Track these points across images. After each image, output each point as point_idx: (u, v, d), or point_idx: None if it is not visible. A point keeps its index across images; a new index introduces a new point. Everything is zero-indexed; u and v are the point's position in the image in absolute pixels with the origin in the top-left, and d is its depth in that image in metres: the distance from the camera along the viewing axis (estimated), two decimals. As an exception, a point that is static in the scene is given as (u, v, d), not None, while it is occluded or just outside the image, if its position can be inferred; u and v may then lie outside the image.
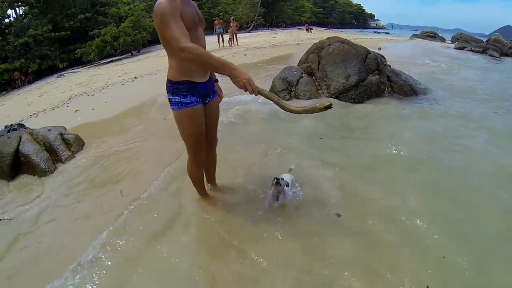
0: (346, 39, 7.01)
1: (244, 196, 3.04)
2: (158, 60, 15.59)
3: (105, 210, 3.14)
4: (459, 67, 12.17)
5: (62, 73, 20.03)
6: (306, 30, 38.87)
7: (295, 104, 2.34)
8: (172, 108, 2.42)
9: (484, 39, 32.82)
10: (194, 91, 2.39)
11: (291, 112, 2.18)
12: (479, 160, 3.82)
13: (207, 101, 2.53)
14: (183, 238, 2.61)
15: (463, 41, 29.38)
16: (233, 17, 24.19)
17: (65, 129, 4.98)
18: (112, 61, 21.61)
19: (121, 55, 24.38)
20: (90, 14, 25.64)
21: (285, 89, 6.11)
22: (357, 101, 5.96)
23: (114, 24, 24.19)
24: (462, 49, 25.40)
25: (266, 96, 2.18)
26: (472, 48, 25.33)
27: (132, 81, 10.29)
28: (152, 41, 27.56)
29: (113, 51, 23.92)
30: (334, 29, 56.38)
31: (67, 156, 4.48)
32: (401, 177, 3.37)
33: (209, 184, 3.07)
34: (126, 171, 3.93)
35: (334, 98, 5.89)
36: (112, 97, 8.00)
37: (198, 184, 2.87)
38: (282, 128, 4.80)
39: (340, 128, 4.83)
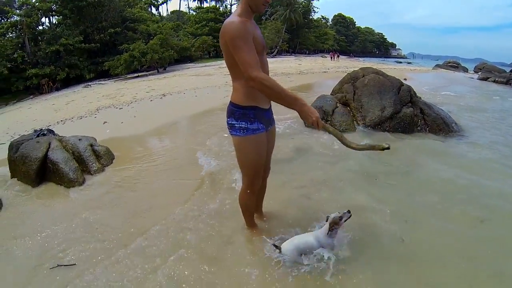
0: (380, 70, 6.95)
1: (292, 225, 2.87)
2: (185, 79, 15.82)
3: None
4: (485, 99, 12.10)
5: (89, 83, 20.54)
6: (331, 58, 39.26)
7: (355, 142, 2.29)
8: (235, 135, 2.30)
9: (506, 68, 32.51)
10: (261, 118, 2.29)
11: (351, 148, 2.19)
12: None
13: (268, 128, 2.44)
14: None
15: (486, 71, 29.12)
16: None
17: (95, 140, 4.89)
18: (138, 76, 22.08)
19: (147, 71, 24.93)
20: (120, 29, 26.52)
21: (321, 118, 5.96)
22: (391, 132, 5.82)
23: (143, 41, 24.87)
24: (486, 80, 25.00)
25: (330, 132, 2.21)
26: (496, 79, 24.92)
27: (161, 98, 10.39)
28: (178, 60, 28.16)
29: (139, 66, 24.45)
30: (356, 58, 56.68)
31: (96, 168, 4.34)
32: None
33: (256, 213, 2.90)
34: (159, 192, 3.78)
35: (371, 128, 5.78)
36: (141, 113, 8.04)
37: (250, 214, 2.73)
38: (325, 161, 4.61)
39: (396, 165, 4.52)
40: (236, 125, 2.26)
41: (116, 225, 3.06)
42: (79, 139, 4.63)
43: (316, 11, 56.99)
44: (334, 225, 2.35)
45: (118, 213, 3.34)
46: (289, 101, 2.03)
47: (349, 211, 2.37)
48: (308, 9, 54.40)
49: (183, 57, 30.46)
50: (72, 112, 9.21)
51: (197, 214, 3.14)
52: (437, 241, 2.72)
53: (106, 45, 26.56)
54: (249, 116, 2.23)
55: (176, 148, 5.43)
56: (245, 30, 2.02)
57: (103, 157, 4.60)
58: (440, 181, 3.91)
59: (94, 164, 4.39)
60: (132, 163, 4.70)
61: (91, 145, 4.63)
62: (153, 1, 46.19)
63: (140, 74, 23.66)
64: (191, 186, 3.82)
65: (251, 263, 2.46)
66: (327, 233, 2.36)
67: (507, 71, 29.07)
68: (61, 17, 27.47)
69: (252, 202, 2.61)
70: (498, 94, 15.49)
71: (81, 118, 8.01)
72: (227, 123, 2.31)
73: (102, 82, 20.90)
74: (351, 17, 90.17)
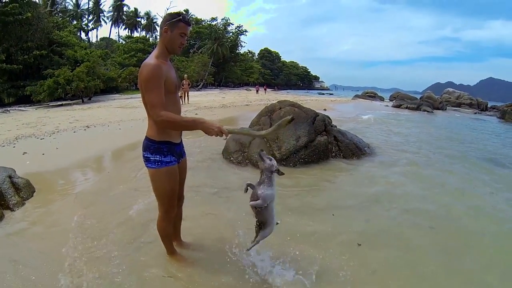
0: (296, 103, 7.60)
1: (210, 250, 3.18)
2: (110, 111, 15.54)
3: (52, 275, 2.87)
4: (397, 124, 14.25)
5: (8, 109, 19.00)
6: (256, 91, 41.15)
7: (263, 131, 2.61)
8: (150, 167, 2.52)
9: (418, 96, 37.12)
10: (173, 151, 2.57)
11: (263, 137, 2.47)
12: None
13: (180, 160, 2.71)
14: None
15: (399, 99, 33.20)
16: (186, 74, 24.89)
17: (15, 171, 4.68)
18: (62, 105, 21.02)
19: (71, 100, 23.77)
20: (46, 52, 24.85)
21: (238, 150, 6.37)
22: (307, 161, 6.38)
23: (69, 67, 23.76)
24: (399, 107, 28.75)
25: (238, 133, 2.50)
26: (408, 106, 28.95)
27: (85, 129, 10.16)
28: (104, 90, 27.22)
29: (63, 94, 23.25)
30: (281, 90, 59.25)
31: (15, 202, 4.14)
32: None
33: (174, 241, 3.07)
34: (82, 225, 3.75)
35: (283, 164, 6.15)
36: (64, 144, 7.82)
37: (169, 240, 2.90)
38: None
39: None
40: (151, 158, 2.50)
41: (37, 265, 2.98)
42: None
43: (243, 45, 58.74)
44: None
45: (40, 249, 3.26)
46: (190, 124, 2.36)
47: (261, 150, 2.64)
48: (235, 43, 55.67)
49: (109, 88, 29.45)
50: (-14, 139, 8.61)
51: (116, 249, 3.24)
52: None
53: (29, 68, 24.59)
54: (163, 150, 2.50)
55: (98, 182, 5.44)
56: (158, 73, 2.29)
57: (23, 190, 4.43)
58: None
59: (13, 198, 4.17)
60: (54, 196, 4.61)
61: (10, 177, 4.42)
62: (83, 26, 44.71)
63: (64, 102, 22.42)
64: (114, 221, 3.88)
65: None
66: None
67: (418, 98, 33.26)
68: (-19, 31, 24.98)
69: (169, 228, 2.82)
70: (408, 119, 17.96)
71: (-3, 147, 7.57)
72: (143, 156, 2.55)
73: (23, 108, 19.49)
74: (276, 51, 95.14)
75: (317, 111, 7.39)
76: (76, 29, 38.45)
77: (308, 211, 4.36)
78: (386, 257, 3.30)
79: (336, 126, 7.67)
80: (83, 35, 46.17)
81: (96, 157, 6.74)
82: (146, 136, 2.54)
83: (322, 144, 6.63)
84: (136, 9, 66.16)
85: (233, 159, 6.22)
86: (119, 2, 62.47)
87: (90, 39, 53.26)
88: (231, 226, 3.69)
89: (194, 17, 58.29)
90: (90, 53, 27.62)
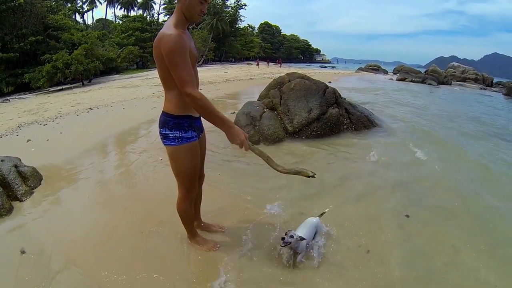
0: (305, 75, 7.32)
1: (232, 233, 3.02)
2: (111, 92, 15.33)
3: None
4: (404, 96, 13.96)
5: (8, 98, 18.82)
6: (257, 64, 40.90)
7: (281, 165, 2.41)
8: (169, 144, 2.33)
9: (421, 70, 36.42)
10: (193, 126, 2.37)
11: (277, 171, 2.32)
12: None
13: (200, 135, 2.52)
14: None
15: (404, 72, 32.72)
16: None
17: (20, 160, 4.48)
18: (62, 89, 20.82)
19: (71, 84, 23.53)
20: (42, 38, 24.50)
21: (249, 124, 6.10)
22: (319, 134, 6.18)
23: (67, 51, 23.42)
24: (404, 80, 28.40)
25: (257, 154, 2.33)
26: (413, 79, 28.63)
27: (88, 112, 9.97)
28: (104, 71, 26.87)
29: (63, 79, 22.99)
30: (285, 64, 58.56)
31: (23, 192, 3.96)
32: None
33: (195, 222, 2.92)
34: (96, 214, 3.60)
35: (295, 137, 6.04)
36: (67, 128, 7.64)
37: (190, 221, 2.74)
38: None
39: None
40: (170, 135, 2.30)
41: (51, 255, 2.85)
42: (2, 160, 4.20)
43: (243, 19, 57.74)
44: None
45: (53, 238, 3.11)
46: (218, 122, 2.17)
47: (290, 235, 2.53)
48: (235, 18, 54.81)
49: (109, 69, 29.17)
50: (-12, 130, 8.45)
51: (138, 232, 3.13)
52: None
53: (26, 55, 24.38)
54: (184, 125, 2.30)
55: (107, 162, 5.32)
56: (182, 45, 2.06)
57: (30, 179, 4.23)
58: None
59: (20, 187, 3.98)
60: (62, 183, 4.44)
61: (16, 166, 4.22)
62: (78, 8, 43.81)
63: (64, 87, 22.22)
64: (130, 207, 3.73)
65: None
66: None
67: (422, 72, 32.50)
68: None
69: (190, 209, 2.64)
70: (415, 91, 17.70)
71: (0, 137, 7.38)
72: (160, 133, 2.35)
73: (23, 96, 19.30)
74: (277, 25, 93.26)
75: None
76: (71, 11, 37.82)
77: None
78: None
79: (345, 99, 7.41)
80: (78, 17, 45.42)
81: (102, 139, 6.53)
82: (163, 111, 2.33)
83: (333, 117, 6.42)
84: (131, -13, 64.60)
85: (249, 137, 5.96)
86: (114, -19, 61.08)
87: (86, 22, 52.29)
88: (253, 202, 3.62)
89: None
90: (87, 35, 27.11)
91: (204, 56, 45.21)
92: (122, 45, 36.48)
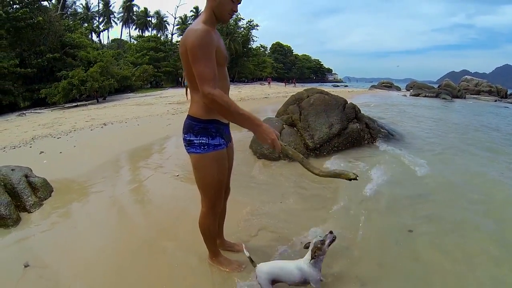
0: (324, 90, 7.16)
1: (259, 252, 2.69)
2: (125, 109, 15.36)
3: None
4: (420, 111, 13.75)
5: (24, 112, 19.05)
6: (268, 83, 41.41)
7: (319, 165, 2.13)
8: (194, 152, 2.09)
9: (433, 85, 36.50)
10: (222, 133, 2.13)
11: (314, 174, 2.02)
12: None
13: (228, 144, 2.28)
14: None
15: (417, 88, 32.72)
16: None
17: (31, 170, 4.33)
18: (77, 105, 21.02)
19: (86, 101, 23.79)
20: (59, 55, 25.00)
21: None
22: (340, 149, 5.95)
23: (82, 68, 23.77)
24: (418, 95, 28.35)
25: (290, 155, 2.06)
26: (427, 94, 28.55)
27: (102, 127, 9.87)
28: (118, 89, 27.18)
29: (78, 95, 23.28)
30: (299, 84, 58.73)
31: (32, 203, 3.80)
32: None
33: (218, 240, 2.61)
34: (106, 229, 3.40)
35: (317, 153, 5.77)
36: (81, 142, 7.51)
37: (213, 239, 2.45)
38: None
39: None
40: (195, 142, 2.07)
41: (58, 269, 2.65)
42: (12, 169, 4.06)
43: (255, 40, 58.00)
44: (317, 251, 2.07)
45: (61, 252, 2.92)
46: (243, 120, 1.93)
47: (331, 232, 2.15)
48: (247, 38, 54.99)
49: (123, 87, 29.49)
50: (4, 141, 8.34)
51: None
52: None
53: (43, 71, 24.81)
54: (211, 130, 2.07)
55: (120, 177, 5.14)
56: (208, 40, 1.88)
57: (40, 190, 4.07)
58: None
59: (30, 198, 3.84)
60: (73, 196, 4.26)
61: (26, 176, 4.09)
62: (94, 28, 44.88)
63: (79, 103, 22.43)
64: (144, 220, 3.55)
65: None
66: (310, 262, 2.09)
67: (435, 87, 32.49)
68: (-4, 36, 25.10)
69: (214, 226, 2.36)
70: (430, 105, 17.61)
71: (14, 148, 7.29)
72: (184, 139, 2.12)
73: (38, 111, 19.49)
74: (288, 45, 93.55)
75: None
76: (87, 31, 38.66)
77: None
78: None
79: (364, 114, 7.20)
80: (94, 37, 46.56)
81: (115, 153, 6.37)
82: (188, 115, 2.10)
83: (355, 131, 6.22)
84: (146, 9, 66.67)
85: (264, 149, 5.69)
86: (129, 3, 62.83)
87: (102, 41, 53.60)
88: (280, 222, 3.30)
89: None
90: (103, 53, 27.58)
91: (216, 76, 45.77)
92: (136, 64, 36.99)
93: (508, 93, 36.06)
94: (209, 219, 2.28)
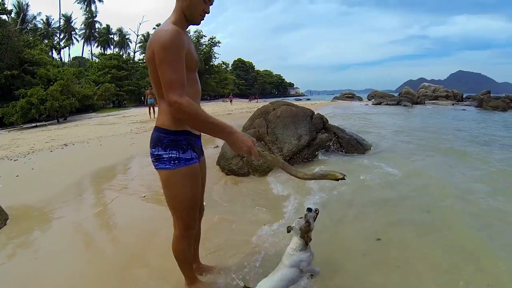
0: (290, 102, 7.20)
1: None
2: (88, 129, 14.88)
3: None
4: (383, 119, 14.49)
5: (-22, 133, 17.97)
6: (230, 101, 42.71)
7: (302, 169, 2.03)
8: (163, 168, 1.89)
9: (393, 94, 38.41)
10: (193, 146, 1.96)
11: (297, 178, 1.89)
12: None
13: (201, 158, 2.12)
14: None
15: (378, 97, 34.43)
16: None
17: None
18: (36, 126, 20.06)
19: (46, 121, 22.72)
20: (17, 72, 23.85)
21: (236, 156, 5.68)
22: (310, 160, 5.99)
23: (42, 86, 22.80)
24: (380, 104, 29.86)
25: (269, 161, 1.93)
26: (388, 102, 30.18)
27: (62, 148, 9.41)
28: (80, 109, 26.22)
29: (37, 115, 22.24)
30: (263, 99, 59.09)
31: None
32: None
33: (194, 264, 2.40)
34: (66, 256, 3.17)
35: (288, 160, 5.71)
36: (40, 164, 7.09)
37: (189, 264, 2.23)
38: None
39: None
40: (164, 156, 1.88)
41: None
42: None
43: (217, 57, 57.97)
44: (309, 231, 2.00)
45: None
46: (215, 128, 1.78)
47: (309, 209, 2.05)
48: (209, 55, 54.68)
49: (85, 106, 28.40)
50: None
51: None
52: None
53: (1, 89, 23.63)
54: (181, 143, 1.89)
55: (84, 200, 4.87)
56: (179, 42, 1.73)
57: None
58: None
59: None
60: (32, 223, 3.96)
61: None
62: (55, 44, 43.36)
63: (38, 124, 21.39)
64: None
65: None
66: (300, 248, 2.00)
67: (396, 95, 34.36)
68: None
69: (190, 250, 2.17)
70: (392, 112, 18.62)
71: (-35, 172, 6.81)
72: (152, 154, 1.92)
73: (-6, 131, 18.52)
74: (250, 61, 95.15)
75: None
76: (48, 47, 37.31)
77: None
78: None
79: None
80: (55, 54, 44.90)
81: (77, 175, 6.04)
82: (156, 127, 1.92)
83: (324, 141, 6.29)
84: (108, 26, 65.15)
85: (232, 165, 5.59)
86: (91, 19, 61.41)
87: (63, 59, 51.75)
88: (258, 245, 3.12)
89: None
90: (63, 71, 26.60)
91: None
92: (98, 82, 35.83)
93: (464, 96, 38.36)
94: (184, 243, 2.10)
